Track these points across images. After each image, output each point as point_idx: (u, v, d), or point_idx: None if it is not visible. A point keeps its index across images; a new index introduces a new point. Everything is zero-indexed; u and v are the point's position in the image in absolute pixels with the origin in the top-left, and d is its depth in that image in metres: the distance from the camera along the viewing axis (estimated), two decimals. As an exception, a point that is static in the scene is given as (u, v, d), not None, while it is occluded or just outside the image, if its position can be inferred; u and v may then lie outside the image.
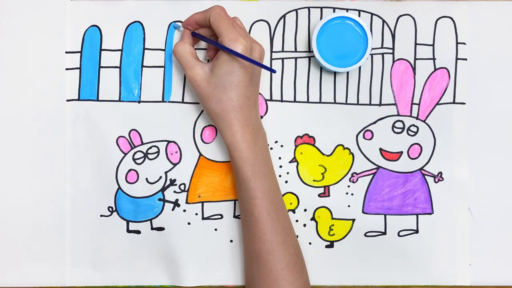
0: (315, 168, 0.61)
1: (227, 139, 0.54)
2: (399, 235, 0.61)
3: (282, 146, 0.61)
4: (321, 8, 0.61)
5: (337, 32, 0.58)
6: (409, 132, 0.61)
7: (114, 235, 0.60)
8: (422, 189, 0.61)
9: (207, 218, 0.61)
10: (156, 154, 0.61)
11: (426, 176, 0.61)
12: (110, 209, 0.60)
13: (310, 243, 0.61)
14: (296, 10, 0.61)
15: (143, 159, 0.61)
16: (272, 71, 0.50)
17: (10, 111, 0.60)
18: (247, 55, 0.52)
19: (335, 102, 0.61)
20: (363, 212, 0.61)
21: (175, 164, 0.61)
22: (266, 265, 0.53)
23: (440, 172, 0.61)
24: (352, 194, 0.61)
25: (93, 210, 0.60)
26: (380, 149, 0.61)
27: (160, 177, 0.61)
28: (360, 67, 0.61)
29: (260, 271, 0.53)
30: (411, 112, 0.61)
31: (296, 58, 0.61)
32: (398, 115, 0.61)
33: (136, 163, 0.60)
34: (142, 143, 0.61)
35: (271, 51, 0.61)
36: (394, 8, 0.61)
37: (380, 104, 0.61)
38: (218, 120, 0.54)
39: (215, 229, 0.61)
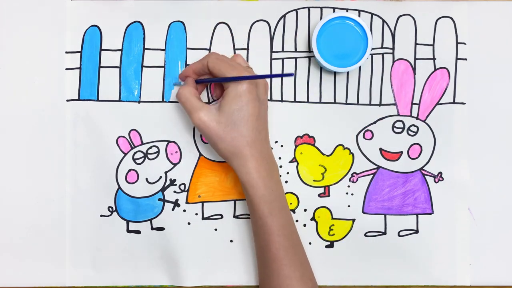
0: (315, 168, 0.61)
1: (243, 177, 0.53)
2: (399, 235, 0.61)
3: (282, 146, 0.61)
4: (321, 8, 0.61)
5: (337, 32, 0.58)
6: (409, 132, 0.61)
7: (114, 235, 0.60)
8: (422, 189, 0.61)
9: (207, 218, 0.61)
10: (156, 154, 0.61)
11: (426, 176, 0.61)
12: (110, 209, 0.60)
13: (310, 243, 0.61)
14: (296, 10, 0.61)
15: (143, 159, 0.61)
16: (290, 75, 0.50)
17: (10, 111, 0.60)
18: (253, 89, 0.53)
19: (335, 102, 0.61)
20: (363, 212, 0.61)
21: (175, 164, 0.61)
22: None
23: (440, 172, 0.61)
24: (352, 194, 0.61)
25: (93, 210, 0.60)
26: (380, 149, 0.61)
27: (160, 177, 0.61)
28: (360, 67, 0.61)
29: None
30: (411, 112, 0.61)
31: (296, 58, 0.61)
32: (398, 115, 0.61)
33: (136, 163, 0.60)
34: (142, 143, 0.61)
35: (271, 51, 0.61)
36: (394, 8, 0.61)
37: (380, 104, 0.61)
38: (232, 159, 0.53)
39: (215, 229, 0.61)
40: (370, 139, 0.61)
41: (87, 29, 0.60)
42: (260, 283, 0.56)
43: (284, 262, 0.53)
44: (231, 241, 0.61)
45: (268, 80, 0.60)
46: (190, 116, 0.54)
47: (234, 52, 0.61)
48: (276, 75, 0.52)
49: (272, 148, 0.61)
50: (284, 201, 0.55)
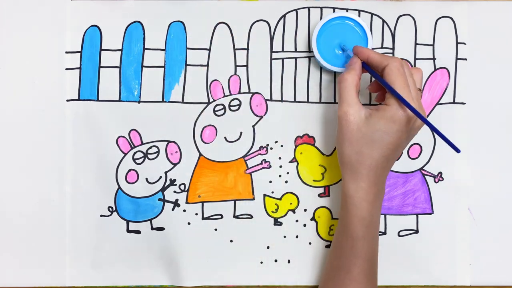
0: (315, 168, 0.61)
1: (349, 192, 0.52)
2: (399, 235, 0.61)
3: (282, 146, 0.61)
4: (321, 8, 0.61)
5: (337, 32, 0.58)
6: (409, 132, 0.61)
7: (114, 235, 0.60)
8: (422, 189, 0.61)
9: (207, 218, 0.61)
10: (156, 154, 0.61)
11: (426, 176, 0.61)
12: (110, 209, 0.60)
13: (310, 243, 0.61)
14: (296, 10, 0.61)
15: (143, 159, 0.61)
16: (456, 150, 0.47)
17: (10, 111, 0.60)
18: (408, 123, 0.50)
19: (335, 102, 0.61)
20: (363, 212, 0.61)
21: (175, 164, 0.61)
22: None
23: (440, 172, 0.61)
24: (352, 194, 0.61)
25: (93, 210, 0.60)
26: (380, 149, 0.61)
27: (160, 177, 0.61)
28: (360, 67, 0.61)
29: None
30: (411, 112, 0.61)
31: (296, 58, 0.61)
32: (398, 115, 0.61)
33: (136, 163, 0.60)
34: (142, 143, 0.61)
35: (271, 51, 0.61)
36: (394, 8, 0.61)
37: (380, 104, 0.61)
38: (347, 168, 0.52)
39: (215, 229, 0.61)
40: (370, 139, 0.61)
41: (87, 29, 0.60)
42: None
43: (361, 286, 0.52)
44: (231, 241, 0.61)
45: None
46: (339, 106, 0.52)
47: (234, 53, 0.61)
48: (444, 138, 0.48)
49: (272, 148, 0.61)
50: (378, 228, 0.54)
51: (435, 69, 0.61)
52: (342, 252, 0.53)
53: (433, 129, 0.49)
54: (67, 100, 0.60)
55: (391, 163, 0.53)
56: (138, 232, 0.61)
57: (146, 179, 0.60)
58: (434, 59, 0.61)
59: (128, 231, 0.61)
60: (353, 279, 0.52)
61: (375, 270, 0.54)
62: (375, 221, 0.53)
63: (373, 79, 0.57)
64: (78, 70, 0.60)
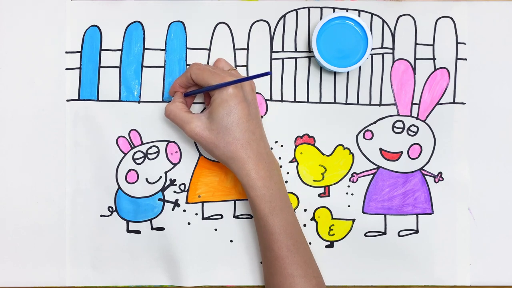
0: (315, 168, 0.61)
1: (242, 179, 0.53)
2: (399, 235, 0.61)
3: (282, 146, 0.61)
4: (321, 8, 0.61)
5: (337, 32, 0.58)
6: (409, 132, 0.61)
7: (114, 235, 0.60)
8: (422, 189, 0.61)
9: (207, 218, 0.61)
10: (156, 154, 0.61)
11: (426, 176, 0.61)
12: (110, 209, 0.60)
13: (310, 243, 0.61)
14: (296, 10, 0.61)
15: (143, 159, 0.61)
16: (267, 74, 0.48)
17: (10, 111, 0.60)
18: (239, 91, 0.53)
19: (335, 102, 0.61)
20: (363, 212, 0.61)
21: (175, 164, 0.61)
22: None
23: (440, 172, 0.61)
24: (352, 194, 0.61)
25: (93, 210, 0.60)
26: (380, 149, 0.61)
27: (160, 177, 0.61)
28: (360, 67, 0.61)
29: None
30: (411, 112, 0.61)
31: (296, 58, 0.61)
32: (398, 115, 0.61)
33: (136, 163, 0.60)
34: (142, 143, 0.61)
35: (271, 51, 0.61)
36: (394, 8, 0.61)
37: (380, 104, 0.61)
38: (230, 163, 0.54)
39: (215, 229, 0.61)
40: (370, 139, 0.61)
41: (87, 29, 0.60)
42: (265, 282, 0.56)
43: (286, 261, 0.53)
44: (231, 241, 0.61)
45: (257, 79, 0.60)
46: (183, 130, 0.55)
47: (234, 53, 0.61)
48: (253, 77, 0.50)
49: (272, 148, 0.61)
50: (286, 200, 0.55)
51: (435, 69, 0.61)
52: (261, 233, 0.55)
53: (249, 78, 0.51)
54: (67, 100, 0.60)
55: (258, 132, 0.54)
56: (138, 232, 0.61)
57: (146, 179, 0.60)
58: (434, 59, 0.61)
59: (128, 231, 0.61)
60: (276, 255, 0.53)
61: (298, 242, 0.54)
62: (276, 194, 0.54)
63: (203, 97, 0.60)
64: (78, 70, 0.60)
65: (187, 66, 0.60)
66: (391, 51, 0.61)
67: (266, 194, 0.53)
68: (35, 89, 0.60)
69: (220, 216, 0.61)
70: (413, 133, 0.61)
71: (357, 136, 0.61)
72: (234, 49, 0.61)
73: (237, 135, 0.53)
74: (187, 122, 0.54)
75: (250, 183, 0.53)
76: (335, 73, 0.61)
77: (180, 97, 0.57)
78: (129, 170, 0.60)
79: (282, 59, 0.61)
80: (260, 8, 0.61)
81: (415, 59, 0.61)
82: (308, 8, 0.61)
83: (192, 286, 0.60)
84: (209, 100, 0.58)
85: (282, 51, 0.61)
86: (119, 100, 0.61)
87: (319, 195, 0.61)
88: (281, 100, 0.61)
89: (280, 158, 0.61)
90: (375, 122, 0.61)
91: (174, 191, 0.61)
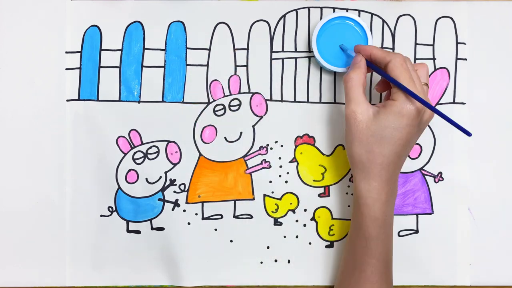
0: (315, 168, 0.61)
1: (361, 192, 0.51)
2: (399, 235, 0.61)
3: (282, 146, 0.61)
4: (321, 8, 0.61)
5: (337, 32, 0.58)
6: (409, 132, 0.61)
7: (114, 235, 0.60)
8: (422, 189, 0.61)
9: (207, 218, 0.61)
10: (156, 154, 0.61)
11: (426, 176, 0.61)
12: (110, 209, 0.60)
13: (310, 243, 0.61)
14: (296, 10, 0.61)
15: (143, 159, 0.61)
16: (467, 134, 0.46)
17: (10, 111, 0.60)
18: (417, 116, 0.49)
19: (335, 102, 0.61)
20: (363, 212, 0.61)
21: (175, 164, 0.61)
22: None
23: (440, 172, 0.61)
24: (352, 194, 0.61)
25: (93, 210, 0.60)
26: (380, 149, 0.61)
27: (160, 177, 0.61)
28: (360, 67, 0.61)
29: None
30: (411, 112, 0.61)
31: (296, 58, 0.61)
32: (398, 115, 0.61)
33: (136, 163, 0.60)
34: (142, 143, 0.61)
35: (271, 51, 0.61)
36: (394, 8, 0.61)
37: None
38: (358, 167, 0.51)
39: (215, 229, 0.61)
40: (370, 139, 0.61)
41: (87, 29, 0.60)
42: None
43: (375, 286, 0.52)
44: (231, 241, 0.61)
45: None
46: (346, 105, 0.51)
47: (234, 53, 0.61)
48: (451, 121, 0.47)
49: (271, 148, 0.61)
50: (392, 227, 0.53)
51: (435, 69, 0.61)
52: (356, 252, 0.53)
53: (444, 117, 0.47)
54: (67, 100, 0.60)
55: (403, 159, 0.52)
56: (138, 232, 0.61)
57: (146, 179, 0.60)
58: (434, 59, 0.61)
59: (128, 231, 0.61)
60: (367, 279, 0.52)
61: (389, 270, 0.54)
62: (388, 220, 0.52)
63: (379, 78, 0.57)
64: (78, 70, 0.60)
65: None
66: (391, 51, 0.61)
67: (379, 218, 0.51)
68: (35, 89, 0.60)
69: (220, 216, 0.61)
70: (413, 133, 0.61)
71: (357, 136, 0.61)
72: (234, 49, 0.61)
73: (386, 151, 0.49)
74: (357, 102, 0.50)
75: (368, 200, 0.51)
76: (335, 73, 0.61)
77: (365, 67, 0.52)
78: (129, 170, 0.60)
79: (282, 59, 0.61)
80: (260, 8, 0.61)
81: (415, 59, 0.61)
82: (308, 8, 0.61)
83: (192, 286, 0.60)
84: (383, 87, 0.55)
85: (282, 51, 0.61)
86: (119, 100, 0.61)
87: (319, 195, 0.61)
88: (281, 100, 0.61)
89: (280, 158, 0.61)
90: (375, 122, 0.61)
91: (174, 191, 0.61)
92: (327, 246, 0.61)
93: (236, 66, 0.61)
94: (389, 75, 0.50)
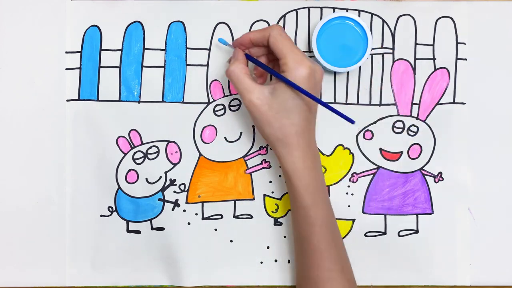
0: (315, 168, 0.61)
1: (288, 166, 0.52)
2: (399, 235, 0.61)
3: (282, 146, 0.61)
4: (321, 8, 0.61)
5: (337, 32, 0.58)
6: (409, 132, 0.61)
7: (114, 235, 0.60)
8: (422, 189, 0.61)
9: (207, 218, 0.61)
10: (156, 154, 0.61)
11: (426, 176, 0.61)
12: (110, 209, 0.60)
13: (310, 243, 0.61)
14: (296, 10, 0.61)
15: (143, 159, 0.61)
16: (351, 121, 0.48)
17: (10, 111, 0.60)
18: (312, 78, 0.50)
19: (335, 102, 0.61)
20: (363, 212, 0.61)
21: (175, 164, 0.61)
22: None
23: (440, 172, 0.61)
24: (352, 194, 0.61)
25: (93, 210, 0.60)
26: (380, 149, 0.61)
27: (160, 177, 0.61)
28: (360, 67, 0.61)
29: None
30: (411, 112, 0.61)
31: (296, 58, 0.61)
32: (398, 115, 0.61)
33: (136, 163, 0.60)
34: (142, 143, 0.61)
35: (271, 51, 0.61)
36: (394, 8, 0.61)
37: (380, 104, 0.61)
38: (278, 146, 0.51)
39: (215, 229, 0.61)
40: (370, 139, 0.61)
41: (87, 29, 0.60)
42: (298, 274, 0.56)
43: (325, 255, 0.52)
44: (231, 241, 0.61)
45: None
46: (241, 97, 0.52)
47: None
48: (335, 111, 0.49)
49: (272, 148, 0.60)
50: (326, 193, 0.54)
51: (435, 69, 0.61)
52: (300, 225, 0.53)
53: (328, 107, 0.49)
54: (67, 100, 0.60)
55: (313, 122, 0.53)
56: (138, 232, 0.61)
57: (146, 179, 0.60)
58: (434, 59, 0.61)
59: (128, 231, 0.61)
60: (315, 248, 0.52)
61: (336, 235, 0.54)
62: (319, 185, 0.53)
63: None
64: (78, 70, 0.60)
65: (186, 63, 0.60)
66: (391, 51, 0.61)
67: (310, 184, 0.52)
68: (35, 89, 0.60)
69: (220, 216, 0.61)
70: (413, 133, 0.61)
71: (357, 136, 0.61)
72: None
73: (296, 120, 0.50)
74: (248, 91, 0.51)
75: (296, 172, 0.51)
76: (335, 73, 0.61)
77: (243, 57, 0.53)
78: (129, 170, 0.60)
79: (282, 59, 0.61)
80: (260, 8, 0.61)
81: (415, 59, 0.61)
82: (308, 8, 0.61)
83: (192, 286, 0.60)
84: (259, 72, 0.56)
85: (282, 51, 0.61)
86: (119, 100, 0.61)
87: (319, 195, 0.61)
88: (281, 100, 0.61)
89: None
90: (375, 122, 0.61)
91: (174, 191, 0.61)
92: (327, 246, 0.61)
93: (236, 66, 0.61)
94: (272, 48, 0.51)
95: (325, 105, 0.50)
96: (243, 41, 0.54)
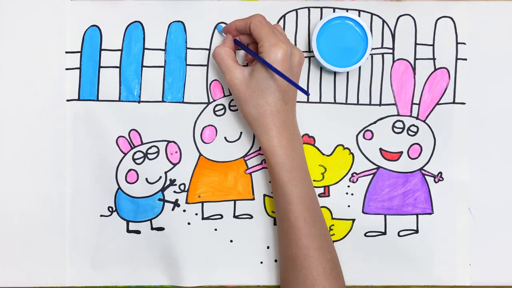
0: (315, 168, 0.61)
1: (264, 144, 0.54)
2: (399, 235, 0.61)
3: (282, 146, 0.61)
4: (321, 8, 0.61)
5: (337, 32, 0.58)
6: (409, 132, 0.61)
7: (114, 235, 0.60)
8: (422, 189, 0.61)
9: (207, 218, 0.61)
10: (156, 154, 0.61)
11: (426, 176, 0.61)
12: (110, 209, 0.60)
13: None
14: (296, 10, 0.61)
15: (143, 159, 0.61)
16: (306, 93, 0.50)
17: (10, 111, 0.60)
18: (286, 60, 0.52)
19: (335, 102, 0.61)
20: (363, 212, 0.61)
21: (175, 164, 0.61)
22: (302, 270, 0.53)
23: (440, 172, 0.61)
24: (352, 194, 0.61)
25: (93, 210, 0.60)
26: (380, 149, 0.61)
27: (160, 177, 0.61)
28: (360, 67, 0.61)
29: (296, 276, 0.53)
30: (411, 112, 0.61)
31: (296, 58, 0.61)
32: (398, 115, 0.61)
33: (136, 163, 0.60)
34: (142, 143, 0.61)
35: (271, 51, 0.61)
36: (394, 8, 0.61)
37: (380, 104, 0.61)
38: (255, 125, 0.54)
39: (215, 229, 0.61)
40: (370, 139, 0.61)
41: (87, 29, 0.60)
42: (279, 252, 0.56)
43: (302, 232, 0.53)
44: (231, 241, 0.61)
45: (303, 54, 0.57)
46: (224, 76, 0.55)
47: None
48: (296, 85, 0.51)
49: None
50: (306, 172, 0.55)
51: (435, 69, 0.61)
52: (279, 204, 0.54)
53: (291, 82, 0.51)
54: (67, 100, 0.60)
55: (290, 104, 0.55)
56: (138, 232, 0.61)
57: (146, 179, 0.60)
58: (434, 59, 0.61)
59: (128, 231, 0.61)
60: (292, 226, 0.53)
61: (315, 214, 0.54)
62: (297, 164, 0.54)
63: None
64: (78, 70, 0.60)
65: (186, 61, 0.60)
66: (391, 51, 0.61)
67: (286, 163, 0.53)
68: (35, 89, 0.60)
69: (220, 216, 0.61)
70: (413, 133, 0.61)
71: (357, 136, 0.61)
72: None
73: (270, 100, 0.53)
74: (230, 71, 0.54)
75: (271, 149, 0.53)
76: (335, 73, 0.61)
77: (230, 41, 0.57)
78: (129, 170, 0.60)
79: (282, 59, 0.61)
80: (260, 8, 0.61)
81: (415, 59, 0.61)
82: (308, 8, 0.61)
83: (192, 286, 0.60)
84: (251, 57, 0.58)
85: (282, 51, 0.61)
86: (119, 100, 0.61)
87: (319, 195, 0.61)
88: (281, 100, 0.61)
89: (280, 158, 0.61)
90: (375, 122, 0.61)
91: (174, 191, 0.61)
92: (327, 246, 0.61)
93: (236, 66, 0.61)
94: (253, 33, 0.54)
95: (291, 81, 0.51)
96: (230, 28, 0.57)
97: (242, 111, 0.55)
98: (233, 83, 0.54)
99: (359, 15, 0.61)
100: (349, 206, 0.61)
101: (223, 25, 0.60)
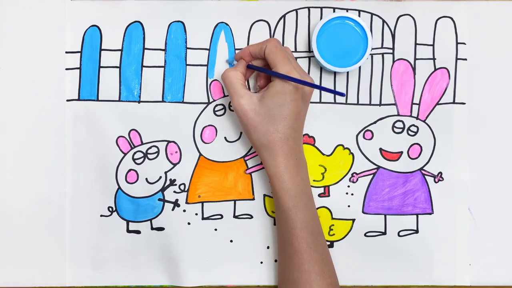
0: (315, 168, 0.61)
1: (270, 170, 0.54)
2: (399, 235, 0.61)
3: (282, 146, 0.61)
4: (321, 8, 0.61)
5: (337, 32, 0.58)
6: (409, 132, 0.61)
7: (114, 235, 0.60)
8: (422, 189, 0.61)
9: (207, 218, 0.61)
10: (156, 154, 0.61)
11: (426, 176, 0.61)
12: (110, 209, 0.61)
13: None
14: (296, 10, 0.61)
15: (143, 159, 0.61)
16: (341, 94, 0.50)
17: (10, 111, 0.60)
18: (298, 90, 0.53)
19: (335, 102, 0.61)
20: (363, 212, 0.61)
21: (175, 164, 0.61)
22: None
23: (440, 172, 0.61)
24: (352, 194, 0.61)
25: (93, 210, 0.60)
26: (380, 149, 0.61)
27: (160, 177, 0.61)
28: (360, 67, 0.61)
29: None
30: (411, 112, 0.61)
31: (296, 58, 0.61)
32: (398, 115, 0.61)
33: (136, 163, 0.60)
34: (142, 143, 0.61)
35: (271, 51, 0.61)
36: (394, 8, 0.61)
37: (380, 104, 0.61)
38: (262, 150, 0.54)
39: (215, 229, 0.61)
40: (370, 139, 0.61)
41: (87, 29, 0.60)
42: (280, 275, 0.56)
43: (305, 256, 0.53)
44: (231, 241, 0.61)
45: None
46: (231, 100, 0.55)
47: (234, 52, 0.61)
48: (323, 88, 0.52)
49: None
50: (310, 197, 0.55)
51: (435, 69, 0.61)
52: (282, 227, 0.55)
53: (321, 88, 0.52)
54: (67, 100, 0.61)
55: (299, 131, 0.55)
56: (138, 232, 0.61)
57: (146, 179, 0.60)
58: (434, 59, 0.61)
59: (128, 231, 0.61)
60: (295, 250, 0.53)
61: (317, 239, 0.54)
62: (301, 190, 0.54)
63: (257, 75, 0.59)
64: (78, 70, 0.60)
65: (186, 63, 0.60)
66: (391, 51, 0.61)
67: (292, 188, 0.53)
68: (35, 89, 0.60)
69: (220, 216, 0.61)
70: (413, 133, 0.61)
71: (357, 136, 0.61)
72: (234, 49, 0.61)
73: (280, 128, 0.53)
74: (238, 95, 0.54)
75: (277, 175, 0.53)
76: (335, 73, 0.61)
77: (242, 67, 0.57)
78: (129, 170, 0.60)
79: (282, 59, 0.61)
80: (260, 8, 0.61)
81: (415, 59, 0.61)
82: (308, 8, 0.61)
83: (192, 286, 0.60)
84: (264, 83, 0.58)
85: (282, 51, 0.61)
86: (119, 100, 0.61)
87: (319, 195, 0.61)
88: (281, 100, 0.61)
89: (280, 158, 0.61)
90: (375, 122, 0.61)
91: (174, 191, 0.61)
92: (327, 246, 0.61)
93: (236, 66, 0.61)
94: (267, 59, 0.55)
95: (317, 86, 0.52)
96: (244, 54, 0.57)
97: (249, 137, 0.55)
98: (241, 108, 0.53)
99: (359, 15, 0.61)
100: (349, 206, 0.61)
101: (232, 59, 0.60)
